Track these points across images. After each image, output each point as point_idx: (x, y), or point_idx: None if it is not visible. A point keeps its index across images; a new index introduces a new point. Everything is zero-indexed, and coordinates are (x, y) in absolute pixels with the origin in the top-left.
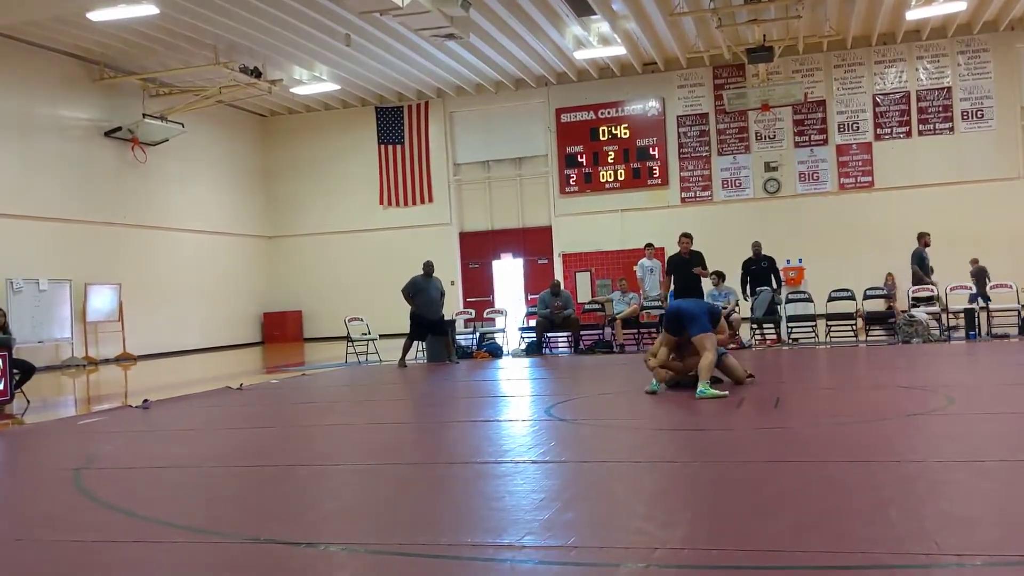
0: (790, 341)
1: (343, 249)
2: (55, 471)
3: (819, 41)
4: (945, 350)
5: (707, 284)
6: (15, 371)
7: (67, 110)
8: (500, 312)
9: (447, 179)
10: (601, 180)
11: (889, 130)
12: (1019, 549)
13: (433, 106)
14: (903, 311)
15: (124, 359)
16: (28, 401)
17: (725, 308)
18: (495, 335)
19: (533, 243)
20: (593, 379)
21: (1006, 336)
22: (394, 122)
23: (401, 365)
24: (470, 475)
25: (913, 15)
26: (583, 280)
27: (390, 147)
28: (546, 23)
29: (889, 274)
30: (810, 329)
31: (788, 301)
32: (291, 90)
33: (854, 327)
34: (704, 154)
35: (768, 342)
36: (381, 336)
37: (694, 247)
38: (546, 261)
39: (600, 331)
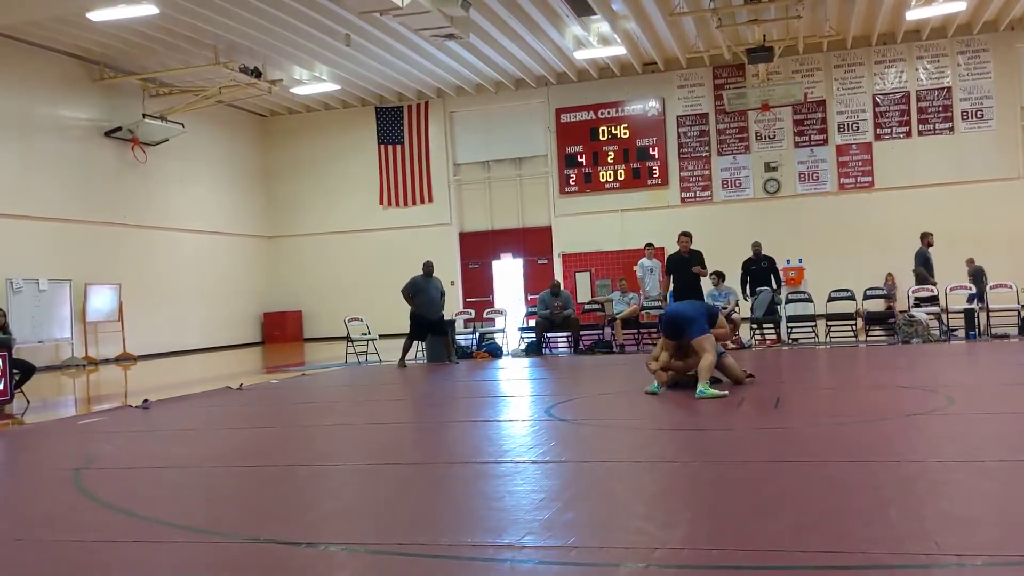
0: (790, 341)
1: (343, 249)
2: (55, 471)
3: (819, 41)
4: (945, 350)
5: (707, 284)
6: (15, 371)
7: (67, 110)
8: (500, 312)
9: (447, 179)
10: (601, 180)
11: (889, 130)
12: (1019, 549)
13: (433, 106)
14: (902, 311)
15: (124, 359)
16: (28, 401)
17: (725, 308)
18: (495, 335)
19: (533, 243)
20: (593, 379)
21: (1006, 336)
22: (394, 122)
23: (401, 365)
24: (470, 475)
25: (913, 15)
26: (583, 280)
27: (390, 147)
28: (546, 23)
29: (889, 274)
30: (810, 329)
31: (788, 301)
32: (291, 90)
33: (854, 327)
34: (704, 154)
35: (768, 342)
36: (381, 336)
37: (693, 246)
38: (546, 261)
39: (600, 331)
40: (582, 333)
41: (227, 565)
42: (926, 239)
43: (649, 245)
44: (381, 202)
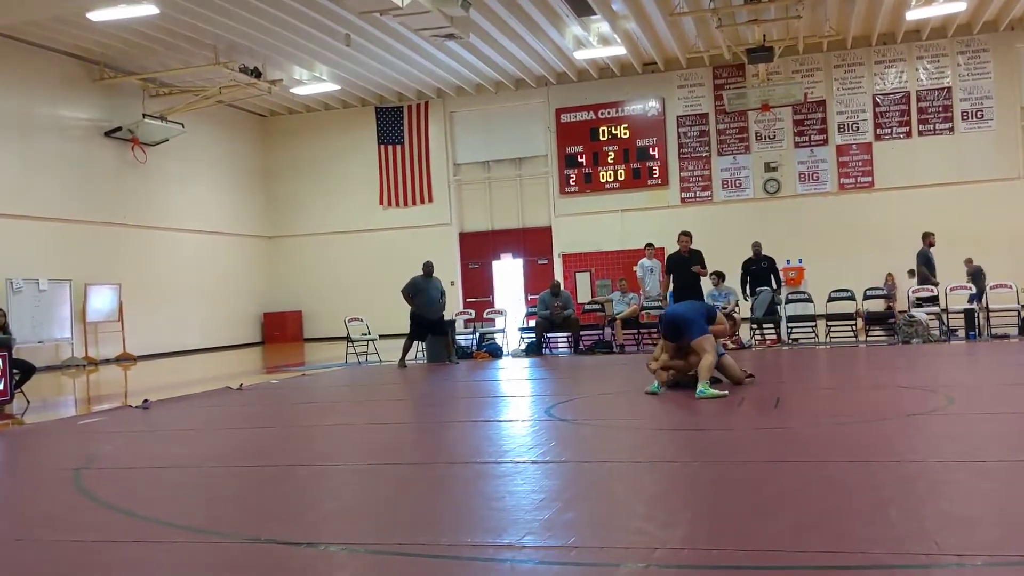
0: (790, 341)
1: (343, 249)
2: (55, 471)
3: (819, 41)
4: (945, 350)
5: (707, 284)
6: (15, 371)
7: (67, 110)
8: (500, 312)
9: (447, 179)
10: (601, 180)
11: (889, 130)
12: (1019, 549)
13: (433, 106)
14: (902, 311)
15: (124, 359)
16: (28, 401)
17: (725, 308)
18: (495, 335)
19: (533, 243)
20: (593, 379)
21: (1006, 336)
22: (394, 122)
23: (401, 365)
24: (470, 475)
25: (913, 15)
26: (583, 280)
27: (390, 147)
28: (546, 23)
29: (889, 274)
30: (810, 329)
31: (788, 301)
32: (291, 90)
33: (854, 327)
34: (704, 154)
35: (768, 342)
36: (381, 336)
37: (693, 246)
38: (546, 261)
39: (600, 331)
40: (582, 333)
41: (227, 565)
42: (927, 239)
43: (649, 245)
44: (381, 202)
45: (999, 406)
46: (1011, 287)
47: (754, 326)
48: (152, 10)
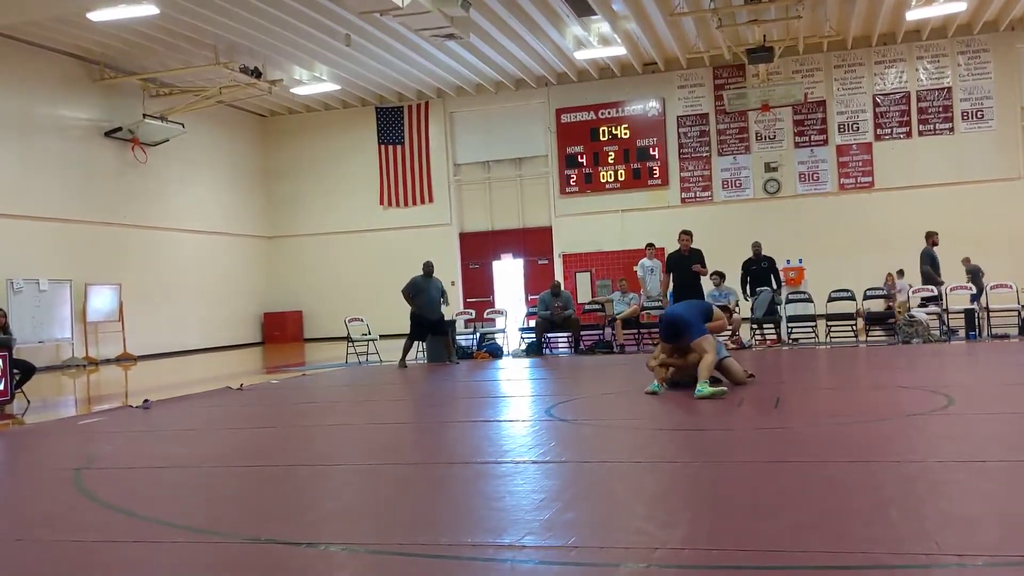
0: (790, 341)
1: (343, 249)
2: (55, 471)
3: (819, 41)
4: (945, 350)
5: (707, 285)
6: (15, 371)
7: (67, 110)
8: (500, 312)
9: (447, 179)
10: (601, 180)
11: (889, 130)
12: (1020, 549)
13: (433, 106)
14: (901, 311)
15: (124, 359)
16: (28, 401)
17: (732, 315)
18: (495, 335)
19: (533, 243)
20: (593, 379)
21: (1006, 336)
22: (394, 122)
23: (401, 365)
24: (470, 475)
25: (913, 15)
26: (583, 280)
27: (390, 147)
28: (546, 23)
29: (889, 274)
30: (810, 329)
31: (788, 301)
32: (291, 90)
33: (854, 327)
34: (704, 154)
35: (768, 342)
36: (381, 336)
37: (694, 246)
38: (546, 261)
39: (600, 331)
40: (582, 333)
41: (227, 565)
42: (931, 238)
43: (650, 245)
44: (381, 202)
45: (999, 406)
46: (1011, 287)
47: (754, 326)
48: (152, 10)
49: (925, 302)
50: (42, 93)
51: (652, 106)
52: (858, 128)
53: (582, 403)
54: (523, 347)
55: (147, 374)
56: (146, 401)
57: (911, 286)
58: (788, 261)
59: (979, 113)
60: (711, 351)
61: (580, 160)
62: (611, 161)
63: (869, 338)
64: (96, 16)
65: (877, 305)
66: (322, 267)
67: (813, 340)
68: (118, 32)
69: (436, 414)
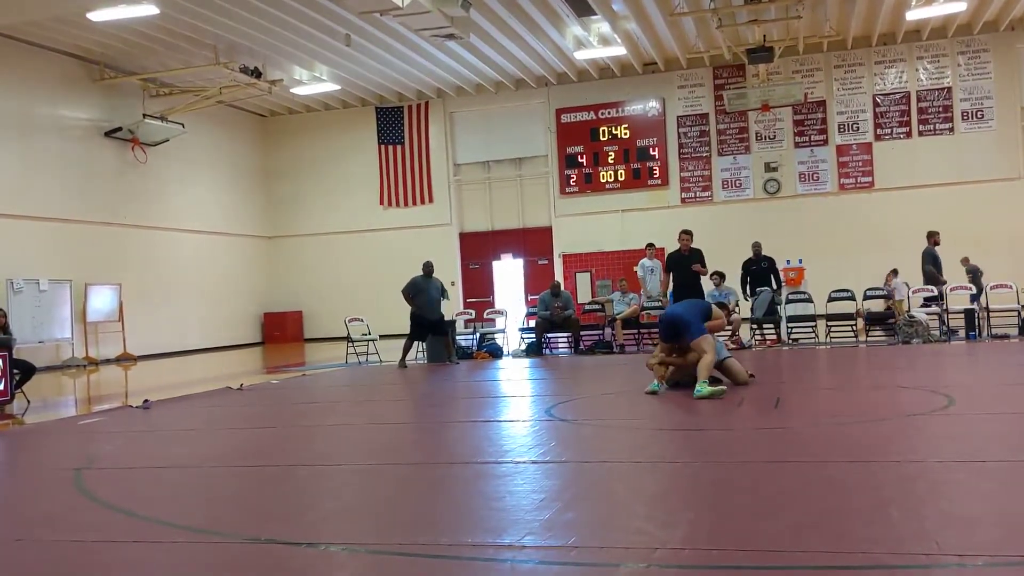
0: (790, 341)
1: (343, 249)
2: (55, 471)
3: (819, 41)
4: (945, 350)
5: (708, 285)
6: (15, 371)
7: (67, 110)
8: (500, 313)
9: (447, 179)
10: (601, 180)
11: (889, 130)
12: (1020, 549)
13: (433, 106)
14: (903, 311)
15: (124, 359)
16: (28, 401)
17: (730, 312)
18: (495, 336)
19: (533, 244)
20: (593, 379)
21: (1006, 336)
22: (394, 122)
23: (401, 366)
24: (470, 475)
25: (913, 15)
26: (583, 280)
27: (390, 147)
28: (546, 23)
29: (889, 274)
30: (810, 329)
31: (788, 301)
32: (291, 90)
33: (854, 327)
34: (704, 154)
35: (768, 342)
36: (381, 336)
37: (694, 245)
38: (546, 262)
39: (600, 331)
40: (582, 333)
41: (227, 565)
42: (932, 238)
43: (650, 245)
44: (381, 202)
45: (999, 406)
46: (1011, 287)
47: (754, 326)
48: (152, 10)
49: (928, 302)
50: (42, 93)
51: (652, 106)
52: (858, 128)
53: (582, 403)
54: (523, 347)
55: (147, 374)
56: (146, 401)
57: (907, 285)
58: (788, 261)
59: (979, 113)
60: (710, 351)
61: (580, 160)
62: (611, 161)
63: (869, 338)
64: (96, 16)
65: (877, 305)
66: (322, 267)
67: (813, 340)
68: (118, 32)
69: (436, 414)
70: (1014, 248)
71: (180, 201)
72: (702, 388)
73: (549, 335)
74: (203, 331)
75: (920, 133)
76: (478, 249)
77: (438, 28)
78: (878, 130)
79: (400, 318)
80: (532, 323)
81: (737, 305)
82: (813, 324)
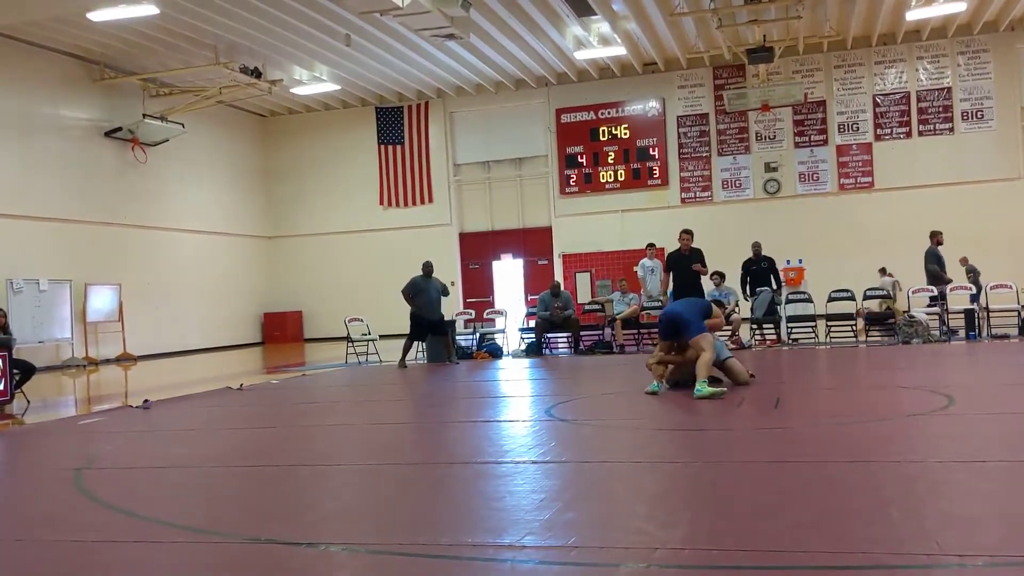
0: (790, 341)
1: (343, 249)
2: (55, 471)
3: (819, 41)
4: (945, 350)
5: (708, 285)
6: (15, 371)
7: (67, 110)
8: (500, 313)
9: (447, 179)
10: (601, 180)
11: (889, 130)
12: (1020, 549)
13: (433, 106)
14: (904, 311)
15: (124, 359)
16: (28, 401)
17: (726, 309)
18: (495, 336)
19: (533, 244)
20: (593, 379)
21: (1006, 336)
22: (394, 122)
23: (401, 366)
24: (470, 475)
25: (913, 15)
26: (583, 281)
27: (390, 147)
28: (546, 23)
29: (890, 274)
30: (810, 329)
31: (788, 301)
32: (291, 90)
33: (854, 327)
34: (704, 154)
35: (768, 342)
36: (381, 336)
37: (694, 245)
38: (546, 262)
39: (600, 332)
40: (582, 333)
41: (227, 565)
42: (935, 238)
43: (651, 245)
44: (381, 202)
45: (999, 406)
46: (1011, 287)
47: (754, 326)
48: (152, 10)
49: (933, 301)
50: (42, 93)
51: (652, 106)
52: (858, 128)
53: (582, 403)
54: (523, 347)
55: (147, 374)
56: (146, 401)
57: (898, 284)
58: (788, 261)
59: (979, 113)
60: (709, 349)
61: (580, 160)
62: (611, 161)
63: (869, 338)
64: (96, 16)
65: (875, 305)
66: (322, 267)
67: (813, 340)
68: (118, 32)
69: (436, 414)
70: (1014, 248)
71: (180, 201)
72: (702, 388)
73: (549, 335)
74: (203, 331)
75: (920, 133)
76: (478, 249)
77: (438, 28)
78: (878, 130)
79: (400, 318)
80: (532, 323)
81: (737, 305)
82: (813, 324)
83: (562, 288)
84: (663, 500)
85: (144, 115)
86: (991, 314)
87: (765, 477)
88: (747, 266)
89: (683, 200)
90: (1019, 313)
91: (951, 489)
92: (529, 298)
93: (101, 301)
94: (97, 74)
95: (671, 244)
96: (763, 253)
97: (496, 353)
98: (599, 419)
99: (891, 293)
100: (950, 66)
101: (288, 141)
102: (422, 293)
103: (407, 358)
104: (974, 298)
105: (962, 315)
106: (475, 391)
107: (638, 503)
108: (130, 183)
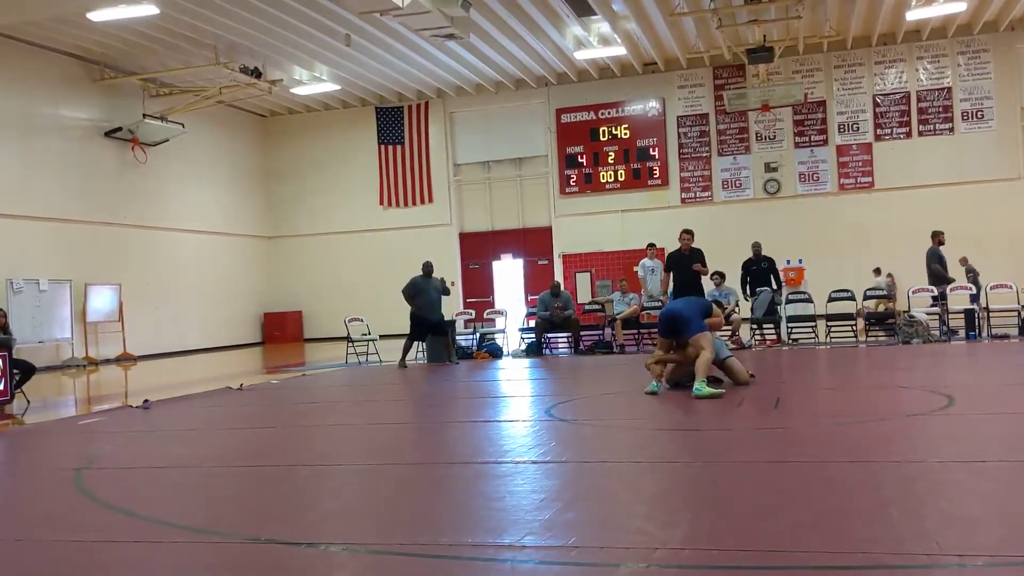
0: (790, 341)
1: (343, 249)
2: (55, 471)
3: (819, 41)
4: (945, 350)
5: (708, 285)
6: (15, 371)
7: (67, 110)
8: (500, 313)
9: (447, 179)
10: (601, 180)
11: (889, 131)
12: (1020, 550)
13: (433, 106)
14: (903, 311)
15: (124, 359)
16: (28, 401)
17: (725, 309)
18: (495, 336)
19: (533, 244)
20: (593, 379)
21: (1006, 336)
22: (394, 122)
23: (401, 366)
24: (470, 475)
25: (913, 15)
26: (583, 281)
27: (390, 147)
28: (546, 23)
29: (889, 274)
30: (810, 329)
31: (788, 301)
32: (291, 90)
33: (854, 327)
34: (704, 154)
35: (768, 342)
36: (381, 336)
37: (694, 245)
38: (546, 262)
39: (600, 332)
40: (582, 333)
41: (227, 565)
42: (937, 238)
43: (651, 245)
44: (381, 202)
45: (999, 406)
46: (1011, 287)
47: (754, 326)
48: (152, 10)
49: (935, 301)
50: (42, 93)
51: (652, 106)
52: (858, 128)
53: (582, 403)
54: (523, 347)
55: (147, 374)
56: (146, 401)
57: (892, 283)
58: (788, 261)
59: (979, 113)
60: (708, 348)
61: (580, 160)
62: (611, 161)
63: (869, 338)
64: (96, 16)
65: (873, 305)
66: (322, 267)
67: (813, 340)
68: (118, 32)
69: (436, 414)
70: (1014, 248)
71: (180, 201)
72: (701, 388)
73: (549, 335)
74: (203, 331)
75: (920, 133)
76: (478, 249)
77: (438, 28)
78: (878, 130)
79: (400, 318)
80: (532, 323)
81: (737, 305)
82: (813, 324)
83: (562, 288)
84: (663, 500)
85: (144, 115)
86: (991, 314)
87: (765, 477)
88: (747, 266)
89: (683, 200)
90: (1019, 313)
91: (951, 489)
92: (529, 298)
93: (101, 301)
94: (97, 74)
95: (671, 244)
96: (763, 253)
97: (496, 353)
98: (599, 419)
99: (890, 293)
100: (950, 66)
101: (288, 141)
102: (422, 293)
103: (407, 358)
104: (974, 298)
105: (962, 315)
106: (475, 391)
107: (638, 503)
108: (130, 183)
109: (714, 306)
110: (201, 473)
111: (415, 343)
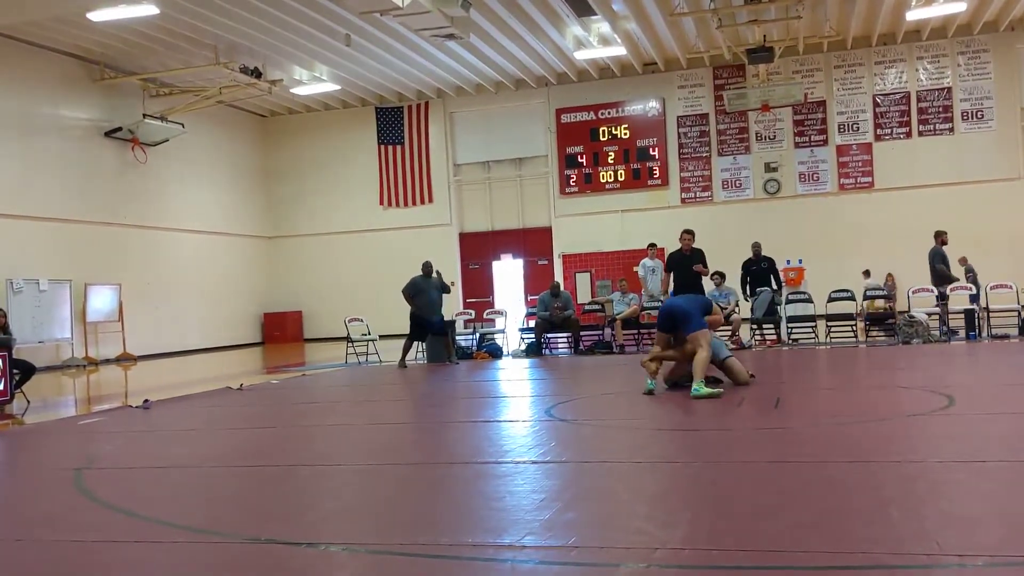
0: (790, 342)
1: (343, 249)
2: (55, 471)
3: (819, 41)
4: (945, 350)
5: (708, 285)
6: (15, 371)
7: (67, 110)
8: (500, 313)
9: (447, 179)
10: (601, 181)
11: (889, 131)
12: (1020, 550)
13: (433, 106)
14: (903, 311)
15: (124, 359)
16: (28, 401)
17: (725, 309)
18: (495, 336)
19: (533, 244)
20: (593, 380)
21: (1006, 336)
22: (394, 122)
23: (401, 366)
24: (470, 475)
25: (913, 15)
26: (583, 281)
27: (390, 147)
28: (546, 23)
29: (889, 274)
30: (810, 329)
31: (788, 302)
32: (291, 90)
33: (854, 327)
34: (704, 154)
35: (768, 343)
36: (381, 337)
37: (695, 245)
38: (546, 262)
39: (600, 332)
40: (582, 334)
41: (227, 565)
42: (940, 238)
43: (652, 245)
44: (381, 202)
45: (999, 406)
46: (1011, 287)
47: (754, 326)
48: (152, 10)
49: (939, 301)
50: (42, 93)
51: (652, 106)
52: (858, 128)
53: (582, 403)
54: (523, 347)
55: (147, 374)
56: (146, 401)
57: (888, 282)
58: (788, 261)
59: (979, 113)
60: (707, 347)
61: (580, 160)
62: (611, 161)
63: (869, 338)
64: (96, 16)
65: (869, 305)
66: (322, 267)
67: (813, 340)
68: (118, 32)
69: (436, 414)
70: (1014, 248)
71: (180, 201)
72: (699, 388)
73: (549, 335)
74: (203, 331)
75: (920, 133)
76: (478, 249)
77: (438, 28)
78: (878, 130)
79: (400, 318)
80: (532, 323)
81: (737, 305)
82: (813, 324)
83: (562, 288)
84: (663, 500)
85: (144, 115)
86: (991, 314)
87: (765, 477)
88: (747, 266)
89: (683, 200)
90: (1019, 313)
91: (951, 489)
92: (529, 298)
93: (101, 301)
94: (97, 74)
95: (671, 244)
96: (763, 253)
97: (496, 353)
98: (599, 419)
99: (890, 293)
100: (950, 66)
101: (288, 141)
102: (422, 293)
103: (407, 358)
104: (974, 298)
105: (962, 315)
106: (475, 391)
107: (638, 503)
108: (130, 183)
109: (715, 305)
110: (201, 473)
111: (415, 343)
